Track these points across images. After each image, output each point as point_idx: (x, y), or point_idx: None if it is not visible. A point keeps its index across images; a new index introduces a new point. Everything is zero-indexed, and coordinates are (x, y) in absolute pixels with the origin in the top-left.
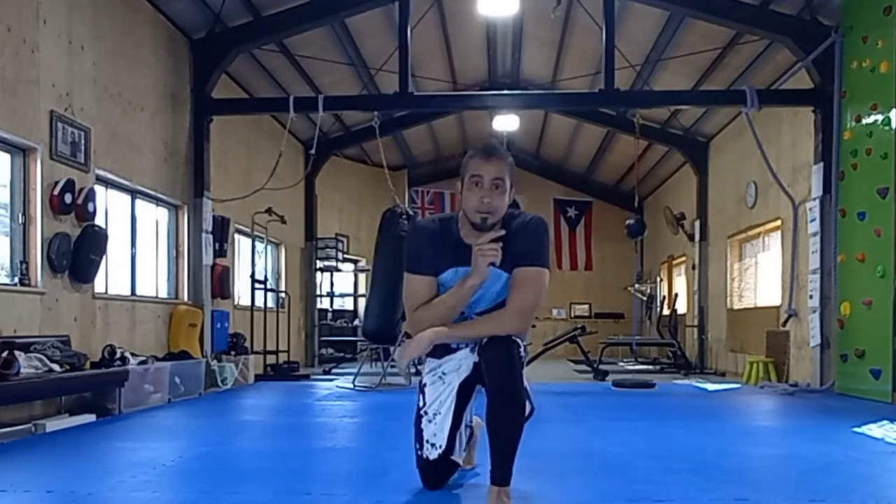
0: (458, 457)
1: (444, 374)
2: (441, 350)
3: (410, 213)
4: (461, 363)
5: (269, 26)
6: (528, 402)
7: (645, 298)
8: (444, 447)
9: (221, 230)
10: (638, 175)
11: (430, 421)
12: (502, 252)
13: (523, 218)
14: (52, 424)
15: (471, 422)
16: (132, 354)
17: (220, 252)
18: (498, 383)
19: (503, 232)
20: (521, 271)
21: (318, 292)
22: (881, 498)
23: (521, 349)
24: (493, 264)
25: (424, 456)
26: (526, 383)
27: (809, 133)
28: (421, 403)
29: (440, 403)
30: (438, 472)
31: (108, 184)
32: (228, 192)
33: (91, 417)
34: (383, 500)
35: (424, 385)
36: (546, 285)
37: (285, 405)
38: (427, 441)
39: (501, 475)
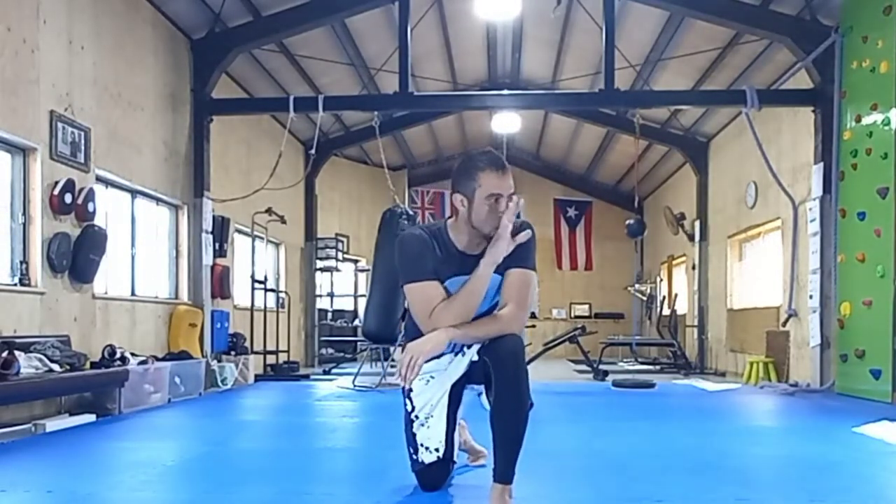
0: (455, 458)
1: (432, 377)
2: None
3: (410, 212)
4: (448, 365)
5: (269, 26)
6: None
7: (645, 298)
8: (441, 450)
9: (221, 230)
10: (638, 175)
11: (422, 425)
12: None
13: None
14: (52, 424)
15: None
16: (132, 354)
17: (220, 252)
18: (507, 380)
19: (530, 233)
20: (513, 272)
21: (317, 292)
22: (881, 498)
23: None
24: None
25: (421, 460)
26: None
27: (809, 133)
28: (410, 408)
29: (431, 406)
30: (436, 476)
31: (108, 184)
32: (228, 192)
33: (91, 417)
34: (383, 501)
35: (411, 390)
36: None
37: (285, 405)
38: (421, 445)
39: (505, 472)
